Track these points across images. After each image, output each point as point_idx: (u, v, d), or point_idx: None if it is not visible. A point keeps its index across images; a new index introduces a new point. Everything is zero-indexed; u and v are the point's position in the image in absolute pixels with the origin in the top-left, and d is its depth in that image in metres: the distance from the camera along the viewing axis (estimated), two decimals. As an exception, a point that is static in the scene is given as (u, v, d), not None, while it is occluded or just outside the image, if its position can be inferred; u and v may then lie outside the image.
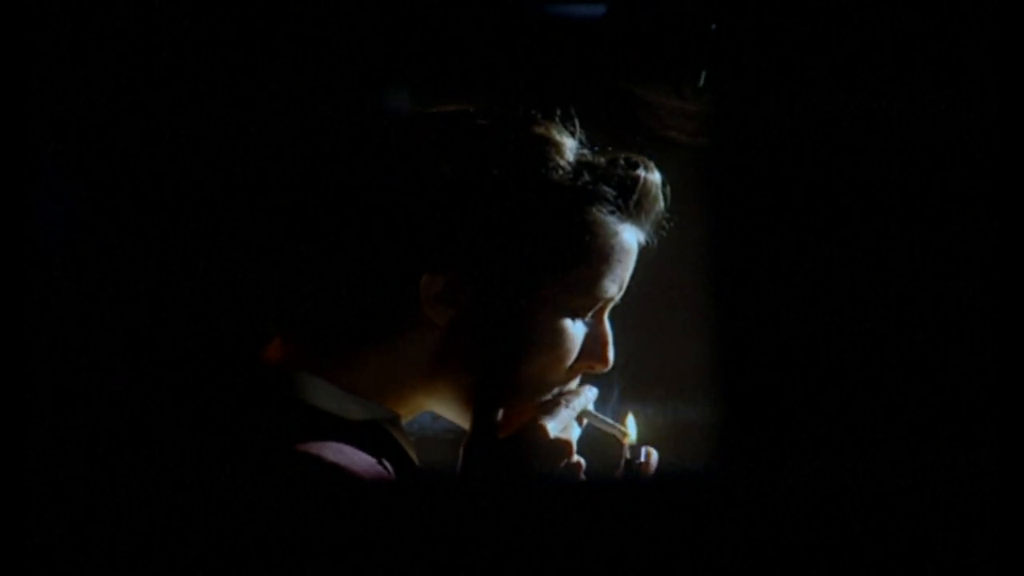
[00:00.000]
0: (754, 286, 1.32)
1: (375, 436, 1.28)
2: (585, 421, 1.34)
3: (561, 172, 1.28)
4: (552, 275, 1.28)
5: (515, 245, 1.27)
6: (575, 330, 1.30)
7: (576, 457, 1.31)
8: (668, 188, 1.34)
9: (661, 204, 1.33)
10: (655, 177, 1.32)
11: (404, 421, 1.32)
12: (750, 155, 1.35)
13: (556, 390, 1.32)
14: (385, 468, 1.27)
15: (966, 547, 1.26)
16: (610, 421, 1.36)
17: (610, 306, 1.33)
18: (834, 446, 1.28)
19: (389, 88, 1.34)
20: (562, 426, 1.31)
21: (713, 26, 1.40)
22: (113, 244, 1.31)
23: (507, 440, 1.31)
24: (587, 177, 1.29)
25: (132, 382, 1.31)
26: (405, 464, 1.29)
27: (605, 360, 1.32)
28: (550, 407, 1.31)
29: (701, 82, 1.47)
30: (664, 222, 1.34)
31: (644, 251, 1.34)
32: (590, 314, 1.31)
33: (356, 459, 1.24)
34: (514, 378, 1.29)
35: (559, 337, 1.29)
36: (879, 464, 1.28)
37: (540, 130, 1.30)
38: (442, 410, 1.33)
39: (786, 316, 1.31)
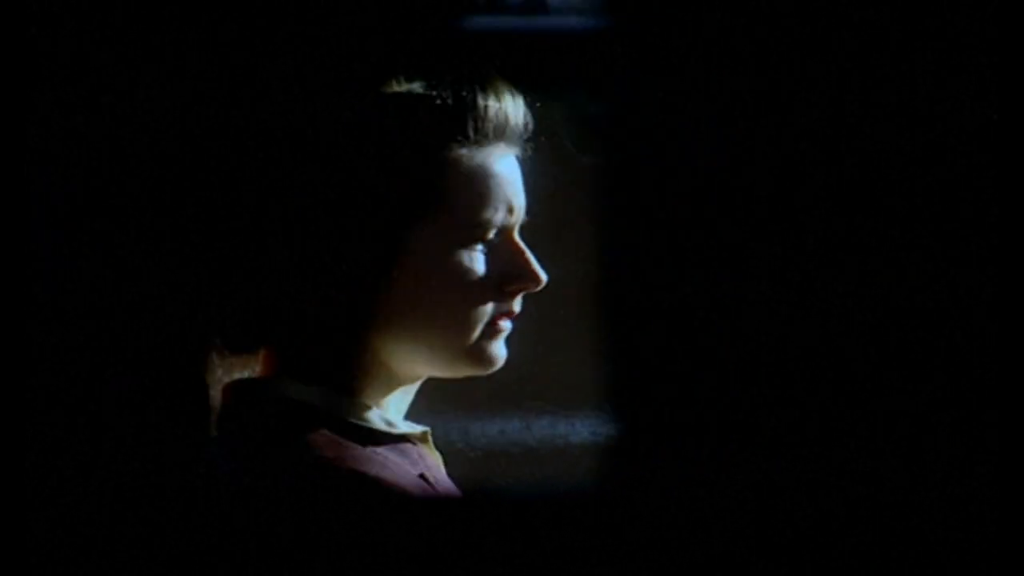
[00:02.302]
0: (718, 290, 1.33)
1: (409, 452, 1.29)
2: None
3: (379, 121, 1.27)
4: (416, 221, 1.27)
5: (362, 205, 1.26)
6: (472, 259, 1.28)
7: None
8: (519, 98, 1.30)
9: (513, 118, 1.30)
10: (489, 97, 1.29)
11: (394, 401, 1.33)
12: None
13: (489, 315, 1.30)
14: (427, 482, 1.27)
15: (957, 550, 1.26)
16: None
17: (516, 227, 1.32)
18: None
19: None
20: None
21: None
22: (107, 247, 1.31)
23: None
24: (409, 118, 1.27)
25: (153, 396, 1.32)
26: (440, 480, 1.30)
27: (533, 276, 1.31)
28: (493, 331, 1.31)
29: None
30: (530, 133, 1.32)
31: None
32: (490, 238, 1.29)
33: (399, 472, 1.25)
34: (436, 321, 1.28)
35: (456, 270, 1.28)
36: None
37: (354, 88, 1.28)
38: (421, 370, 1.33)
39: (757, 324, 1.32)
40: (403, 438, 1.30)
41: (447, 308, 1.28)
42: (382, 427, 1.29)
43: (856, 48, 1.31)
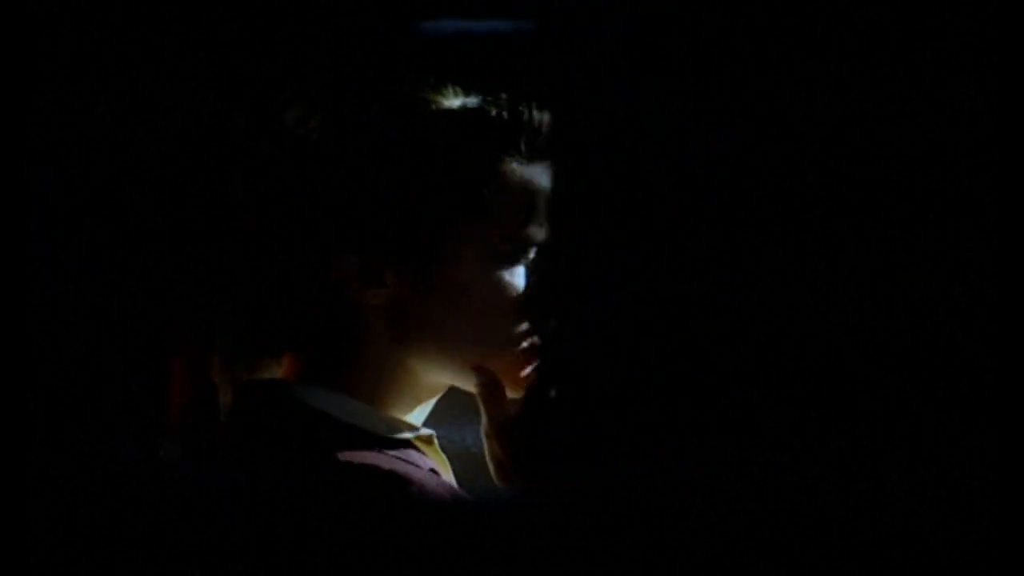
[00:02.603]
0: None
1: (411, 455, 1.28)
2: None
3: (437, 128, 1.27)
4: (460, 232, 1.27)
5: (407, 210, 1.26)
6: (511, 274, 1.29)
7: None
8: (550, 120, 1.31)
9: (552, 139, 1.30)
10: (544, 114, 1.29)
11: (417, 410, 1.32)
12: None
13: (523, 331, 1.30)
14: (438, 474, 1.27)
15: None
16: None
17: None
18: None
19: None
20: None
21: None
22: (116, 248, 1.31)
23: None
24: (467, 129, 1.27)
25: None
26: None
27: None
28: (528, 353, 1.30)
29: None
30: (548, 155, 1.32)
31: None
32: (530, 254, 1.30)
33: (410, 467, 1.24)
34: (474, 335, 1.28)
35: (495, 284, 1.28)
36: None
37: (411, 92, 1.29)
38: (448, 380, 1.33)
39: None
40: (407, 442, 1.30)
41: (483, 322, 1.28)
42: (386, 432, 1.29)
43: (856, 48, 1.31)
